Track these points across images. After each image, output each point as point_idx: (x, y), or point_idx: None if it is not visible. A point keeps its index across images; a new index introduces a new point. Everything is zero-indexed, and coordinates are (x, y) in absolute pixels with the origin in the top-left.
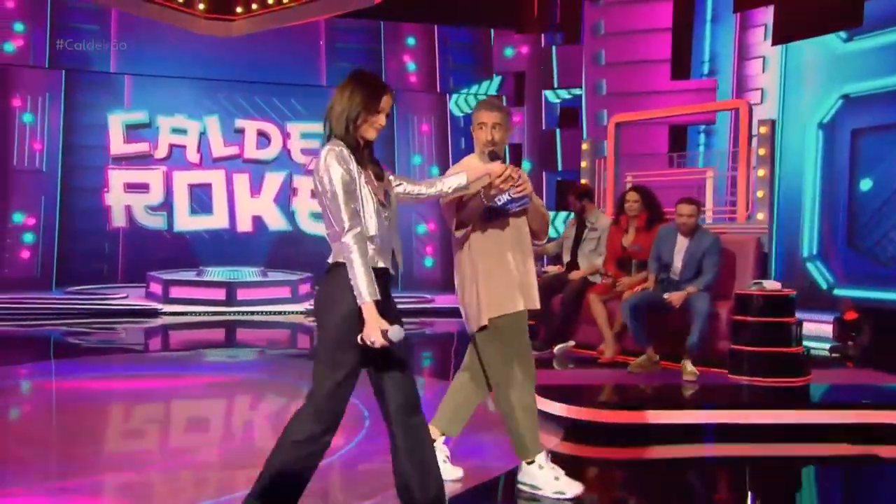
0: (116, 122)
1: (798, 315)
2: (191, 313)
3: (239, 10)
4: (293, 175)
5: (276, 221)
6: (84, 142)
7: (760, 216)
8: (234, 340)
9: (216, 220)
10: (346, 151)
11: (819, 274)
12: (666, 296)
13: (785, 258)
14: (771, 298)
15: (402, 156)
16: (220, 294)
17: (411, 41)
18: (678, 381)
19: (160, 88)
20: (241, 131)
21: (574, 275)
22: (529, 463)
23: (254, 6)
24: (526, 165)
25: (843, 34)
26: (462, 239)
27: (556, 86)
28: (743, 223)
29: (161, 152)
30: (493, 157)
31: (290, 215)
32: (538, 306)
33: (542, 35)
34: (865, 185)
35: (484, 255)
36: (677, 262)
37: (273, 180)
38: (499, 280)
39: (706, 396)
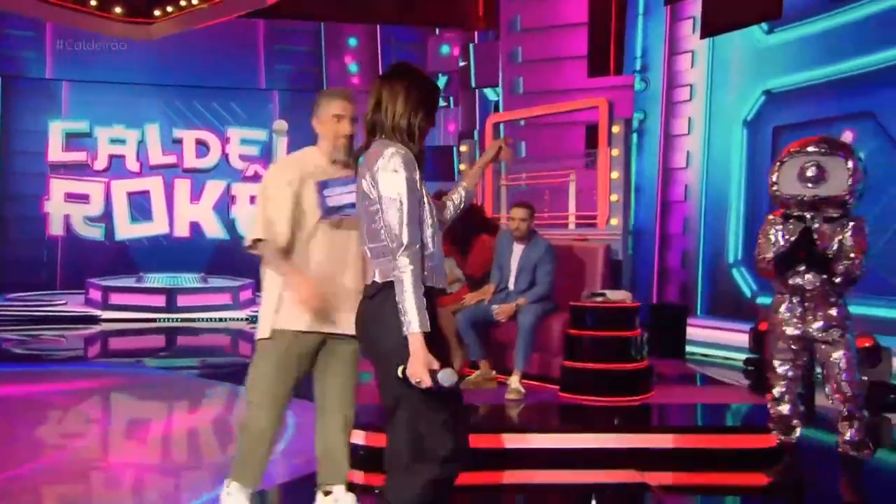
0: (57, 130)
1: (723, 324)
2: (131, 320)
3: (157, 13)
4: (232, 184)
5: (214, 229)
6: (23, 148)
7: (614, 222)
8: (174, 346)
9: (156, 226)
10: (412, 157)
11: (743, 281)
12: (494, 308)
13: (711, 264)
14: (608, 311)
15: None
16: (161, 300)
17: (353, 42)
18: (501, 399)
19: (98, 94)
20: (179, 141)
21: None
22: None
23: (169, 8)
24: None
25: (764, 27)
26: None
27: (473, 85)
28: (603, 229)
29: (100, 163)
30: (349, 152)
31: (229, 223)
32: (340, 329)
33: (476, 33)
34: None
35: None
36: (513, 271)
37: (213, 188)
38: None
39: (504, 418)
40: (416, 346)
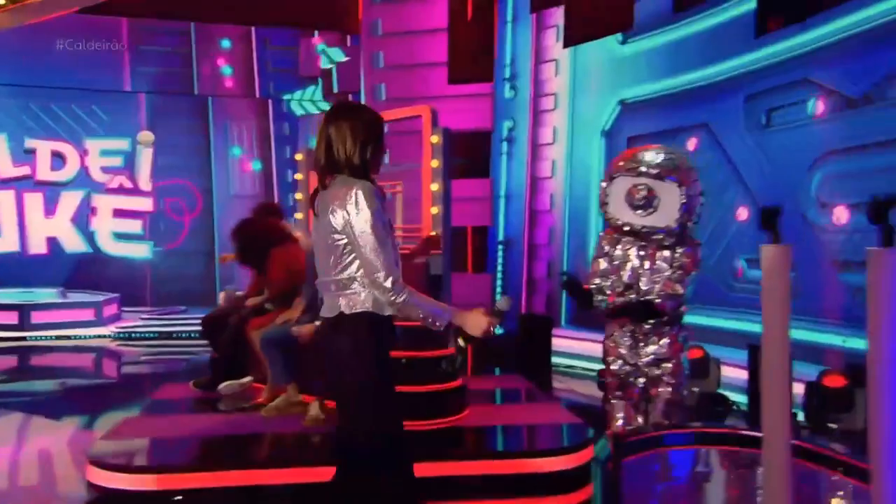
0: None
1: (587, 335)
2: None
3: None
4: (92, 194)
5: (73, 243)
6: None
7: (435, 234)
8: (26, 368)
9: (5, 242)
10: (374, 189)
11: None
12: (294, 329)
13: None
14: (416, 329)
15: (220, 166)
16: (13, 318)
17: (226, 43)
18: (296, 428)
19: None
20: (32, 152)
21: (251, 302)
22: None
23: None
24: None
25: (619, 37)
26: None
27: (335, 90)
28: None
29: None
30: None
31: (89, 236)
32: None
33: (349, 37)
34: None
35: None
36: None
37: (70, 199)
38: None
39: (288, 448)
40: (463, 319)
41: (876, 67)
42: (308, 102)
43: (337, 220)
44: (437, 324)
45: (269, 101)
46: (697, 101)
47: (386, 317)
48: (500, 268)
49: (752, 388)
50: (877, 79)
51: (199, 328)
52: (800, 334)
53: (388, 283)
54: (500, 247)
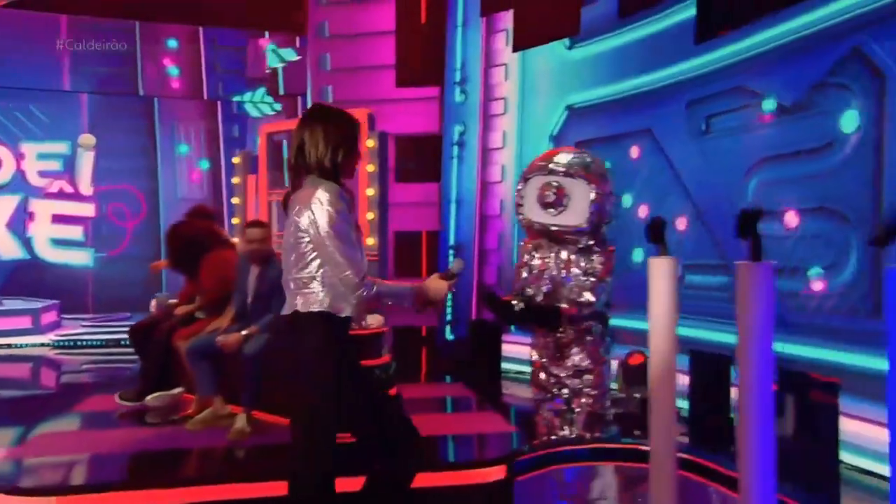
0: None
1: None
2: None
3: None
4: (29, 199)
5: (9, 249)
6: None
7: (370, 241)
8: None
9: None
10: (341, 191)
11: None
12: (219, 339)
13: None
14: None
15: (166, 169)
16: None
17: (172, 43)
18: (220, 442)
19: None
20: None
21: (181, 310)
22: None
23: None
24: None
25: (567, 42)
26: None
27: (281, 92)
28: (367, 247)
29: None
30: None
31: (25, 242)
32: None
33: (298, 38)
34: None
35: None
36: (250, 295)
37: (5, 204)
38: None
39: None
40: (424, 289)
41: (806, 76)
42: (262, 104)
43: (303, 220)
44: (405, 303)
45: (219, 103)
46: (641, 106)
47: (343, 318)
48: None
49: (693, 394)
50: (807, 87)
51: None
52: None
53: (357, 279)
54: (452, 251)
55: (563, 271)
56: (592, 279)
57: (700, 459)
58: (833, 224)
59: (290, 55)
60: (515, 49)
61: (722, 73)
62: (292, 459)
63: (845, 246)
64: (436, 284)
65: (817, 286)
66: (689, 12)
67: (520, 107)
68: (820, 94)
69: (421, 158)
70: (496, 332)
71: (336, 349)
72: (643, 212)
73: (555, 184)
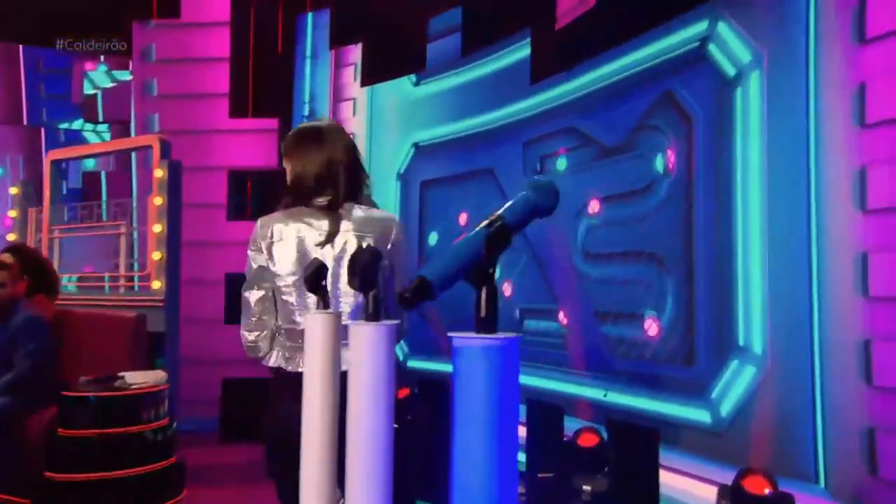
0: None
1: None
2: None
3: None
4: None
5: None
6: None
7: (157, 284)
8: None
9: None
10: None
11: (398, 347)
12: None
13: None
14: (114, 401)
15: None
16: None
17: None
18: None
19: None
20: None
21: None
22: None
23: None
24: None
25: (413, 78)
26: None
27: (100, 119)
28: (147, 292)
29: None
30: None
31: None
32: None
33: (130, 61)
34: (433, 239)
35: None
36: None
37: None
38: None
39: None
40: None
41: (626, 118)
42: (105, 133)
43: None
44: None
45: (42, 129)
46: (483, 145)
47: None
48: None
49: (530, 444)
50: (627, 129)
51: None
52: (566, 388)
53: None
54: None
55: None
56: None
57: None
58: (652, 269)
59: (105, 80)
60: (363, 83)
61: (554, 114)
62: None
63: (663, 292)
64: None
65: (638, 333)
66: (526, 52)
67: (368, 143)
68: (638, 136)
69: (261, 194)
70: None
71: (277, 413)
72: None
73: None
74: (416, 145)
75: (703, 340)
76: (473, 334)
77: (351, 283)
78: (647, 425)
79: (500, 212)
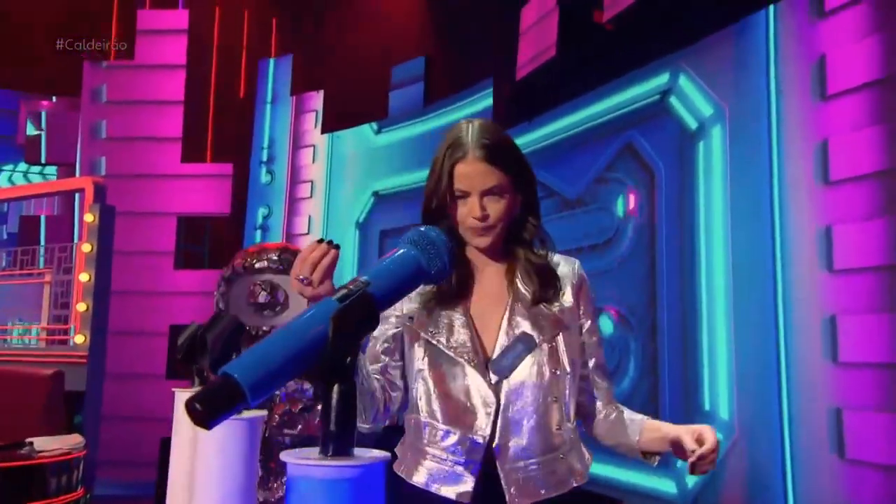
0: None
1: None
2: None
3: None
4: None
5: None
6: None
7: (80, 339)
8: None
9: None
10: None
11: None
12: None
13: None
14: (16, 471)
15: None
16: None
17: None
18: None
19: None
20: None
21: None
22: None
23: None
24: None
25: (374, 126)
26: None
27: (43, 161)
28: (76, 346)
29: None
30: None
31: None
32: None
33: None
34: None
35: None
36: None
37: None
38: None
39: None
40: None
41: (588, 169)
42: (35, 175)
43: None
44: None
45: None
46: None
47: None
48: None
49: None
50: (589, 181)
51: None
52: None
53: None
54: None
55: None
56: None
57: None
58: (617, 326)
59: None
60: (324, 130)
61: None
62: None
63: (626, 350)
64: None
65: None
66: (489, 101)
67: (326, 191)
68: (599, 188)
69: (213, 242)
70: None
71: None
72: None
73: (267, 281)
74: (375, 194)
75: (668, 404)
76: (316, 457)
77: None
78: (611, 496)
79: (364, 277)
